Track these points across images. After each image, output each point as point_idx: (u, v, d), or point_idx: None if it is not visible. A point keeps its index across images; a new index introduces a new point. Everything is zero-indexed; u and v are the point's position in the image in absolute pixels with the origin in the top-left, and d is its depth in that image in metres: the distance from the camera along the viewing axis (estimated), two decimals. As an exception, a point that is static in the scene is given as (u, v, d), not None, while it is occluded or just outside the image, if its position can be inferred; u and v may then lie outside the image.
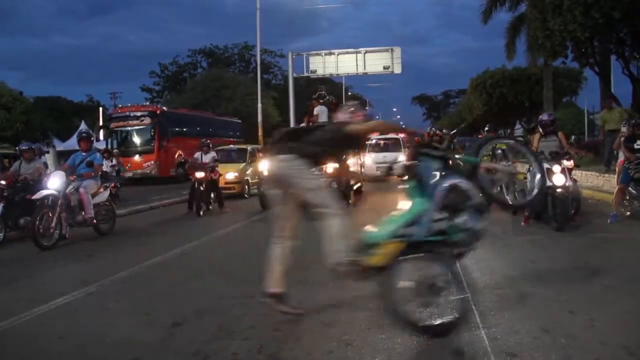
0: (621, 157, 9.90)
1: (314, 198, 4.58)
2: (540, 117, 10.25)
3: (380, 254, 4.10)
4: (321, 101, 18.44)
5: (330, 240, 4.44)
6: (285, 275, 4.80)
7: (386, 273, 4.13)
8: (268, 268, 4.84)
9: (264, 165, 13.37)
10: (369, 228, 4.34)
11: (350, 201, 13.67)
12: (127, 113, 27.00)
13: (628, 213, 9.38)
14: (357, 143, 5.74)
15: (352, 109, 5.13)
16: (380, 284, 4.19)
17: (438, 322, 4.11)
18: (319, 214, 4.57)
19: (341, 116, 5.09)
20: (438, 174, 4.24)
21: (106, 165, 15.63)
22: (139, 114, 26.68)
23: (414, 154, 4.36)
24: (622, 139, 9.94)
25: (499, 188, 4.73)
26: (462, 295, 4.13)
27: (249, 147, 20.12)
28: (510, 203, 5.01)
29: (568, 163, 9.40)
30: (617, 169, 10.33)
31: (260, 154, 16.56)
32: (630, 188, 9.28)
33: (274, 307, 4.68)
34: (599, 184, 14.17)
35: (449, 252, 4.19)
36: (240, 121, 36.96)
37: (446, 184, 4.16)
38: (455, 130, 13.65)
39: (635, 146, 9.25)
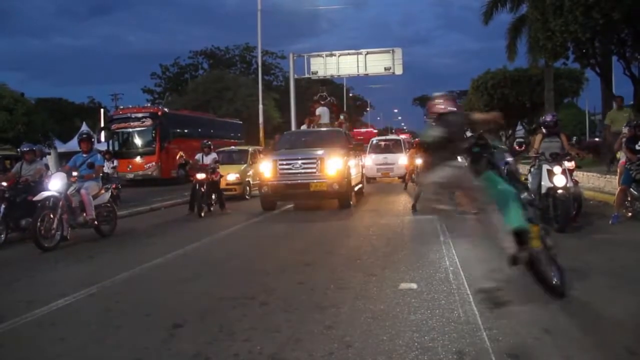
0: (622, 158, 9.89)
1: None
2: (543, 117, 10.24)
3: (535, 237, 4.65)
4: (322, 102, 18.47)
5: (496, 235, 4.74)
6: None
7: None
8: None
9: (265, 167, 13.38)
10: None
11: (352, 202, 13.69)
12: (129, 114, 27.02)
13: (630, 214, 9.36)
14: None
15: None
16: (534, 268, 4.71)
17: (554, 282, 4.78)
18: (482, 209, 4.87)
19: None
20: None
21: (107, 167, 15.62)
22: (140, 115, 26.70)
23: (470, 146, 4.81)
24: (624, 140, 9.93)
25: None
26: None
27: (250, 149, 20.14)
28: None
29: (569, 164, 9.38)
30: (618, 170, 10.31)
31: (261, 155, 16.56)
32: (632, 189, 9.25)
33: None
34: (600, 185, 14.15)
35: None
36: (241, 122, 36.98)
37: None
38: None
39: (637, 147, 9.21)
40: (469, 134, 5.16)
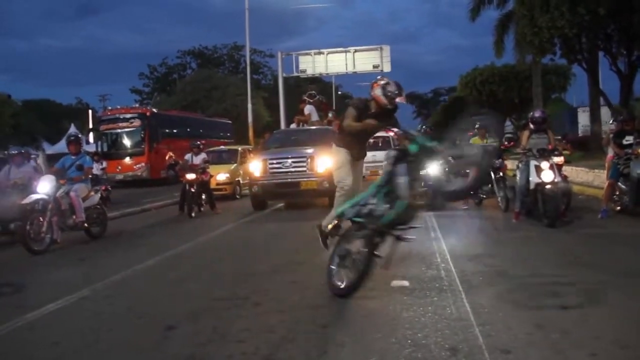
0: (610, 152, 9.98)
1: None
2: (532, 113, 10.31)
3: (332, 225, 5.60)
4: (311, 101, 18.45)
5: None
6: None
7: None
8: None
9: (254, 166, 13.36)
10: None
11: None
12: (117, 115, 26.88)
13: (618, 208, 9.45)
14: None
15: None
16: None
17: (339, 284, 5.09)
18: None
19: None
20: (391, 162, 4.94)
21: (96, 168, 15.55)
22: (128, 116, 26.58)
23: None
24: (611, 135, 10.02)
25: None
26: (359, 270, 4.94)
27: (240, 148, 20.09)
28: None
29: (558, 159, 9.47)
30: (606, 165, 10.41)
31: (251, 155, 16.53)
32: (619, 183, 9.34)
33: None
34: (589, 179, 14.27)
35: (368, 232, 4.92)
36: (230, 122, 36.90)
37: (386, 172, 4.98)
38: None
39: (624, 142, 9.31)
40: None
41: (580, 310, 4.51)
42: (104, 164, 18.15)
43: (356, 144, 6.39)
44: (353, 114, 5.92)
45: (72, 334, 4.72)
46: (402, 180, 4.69)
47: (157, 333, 4.52)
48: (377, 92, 5.83)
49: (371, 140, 24.80)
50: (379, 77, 6.29)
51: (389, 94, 5.77)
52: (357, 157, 6.52)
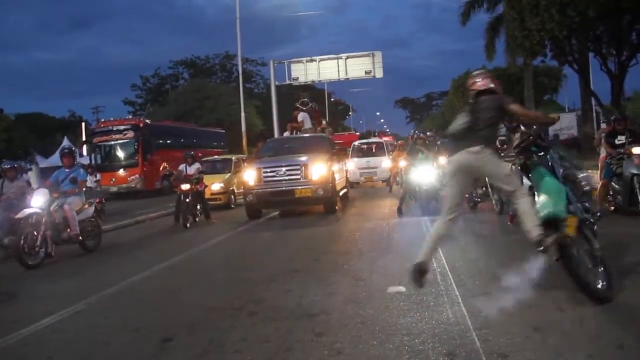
0: (603, 153, 10.01)
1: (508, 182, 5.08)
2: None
3: (570, 226, 4.58)
4: (304, 108, 18.46)
5: (525, 219, 4.84)
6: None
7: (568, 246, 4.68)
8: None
9: (249, 175, 13.35)
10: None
11: (337, 207, 13.69)
12: (110, 127, 26.83)
13: (612, 208, 9.47)
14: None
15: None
16: (564, 254, 4.72)
17: (600, 286, 4.60)
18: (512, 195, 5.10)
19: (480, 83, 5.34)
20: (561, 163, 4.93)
21: (90, 181, 15.49)
22: (122, 127, 26.54)
23: (527, 144, 5.23)
24: (603, 135, 10.06)
25: None
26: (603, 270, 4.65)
27: (234, 157, 20.07)
28: None
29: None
30: (599, 165, 10.44)
31: (245, 164, 16.51)
32: (613, 183, 9.37)
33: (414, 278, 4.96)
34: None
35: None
36: (224, 131, 36.91)
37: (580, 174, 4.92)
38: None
39: (617, 141, 9.35)
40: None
41: (577, 312, 4.50)
42: (98, 176, 18.09)
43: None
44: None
45: (67, 349, 4.68)
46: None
47: (153, 345, 4.49)
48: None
49: (364, 147, 24.73)
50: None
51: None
52: None
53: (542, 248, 4.71)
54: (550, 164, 5.00)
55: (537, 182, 4.94)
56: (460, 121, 5.19)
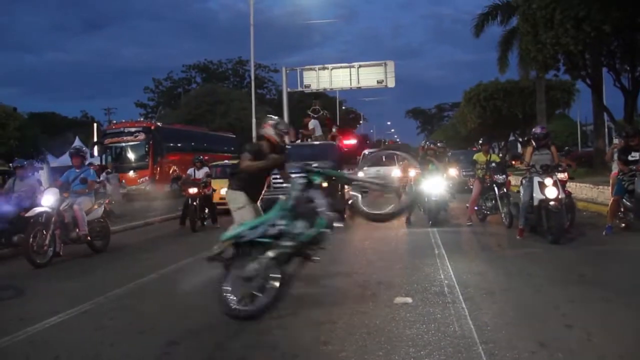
0: (615, 169, 9.94)
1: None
2: (533, 130, 10.29)
3: (218, 247, 5.43)
4: (315, 116, 18.50)
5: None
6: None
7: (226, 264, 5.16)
8: None
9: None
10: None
11: (345, 215, 13.65)
12: (122, 129, 26.94)
13: (623, 225, 9.40)
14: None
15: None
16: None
17: (250, 307, 4.96)
18: None
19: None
20: (299, 189, 5.27)
21: (115, 178, 15.90)
22: (133, 129, 26.63)
23: (284, 177, 5.97)
24: (616, 150, 9.99)
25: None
26: (274, 286, 4.96)
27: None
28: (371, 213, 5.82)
29: (562, 175, 9.43)
30: (611, 181, 10.37)
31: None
32: (624, 200, 9.30)
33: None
34: (593, 195, 14.22)
35: (275, 253, 4.96)
36: (234, 136, 36.95)
37: (295, 195, 5.20)
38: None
39: (630, 158, 9.26)
40: None
41: (585, 329, 4.46)
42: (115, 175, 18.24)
43: (254, 186, 6.69)
44: (249, 157, 6.40)
45: (72, 348, 4.69)
46: (320, 202, 5.13)
47: (158, 348, 4.49)
48: (269, 131, 6.48)
49: (375, 156, 24.68)
50: (268, 117, 6.92)
51: (280, 132, 6.52)
52: (255, 198, 6.78)
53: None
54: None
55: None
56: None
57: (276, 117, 6.85)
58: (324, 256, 8.00)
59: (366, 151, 25.63)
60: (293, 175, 5.92)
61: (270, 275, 4.97)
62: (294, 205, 5.17)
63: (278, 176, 13.24)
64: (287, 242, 4.97)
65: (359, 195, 5.62)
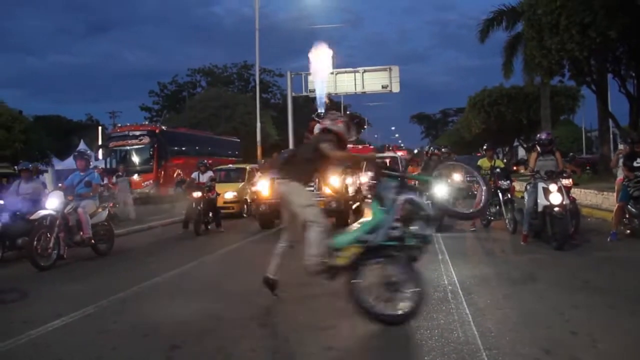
0: (620, 175, 9.91)
1: (302, 213, 5.55)
2: (538, 135, 10.27)
3: (343, 256, 4.97)
4: (320, 120, 18.47)
5: (309, 246, 5.31)
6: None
7: (352, 273, 4.96)
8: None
9: (262, 185, 13.38)
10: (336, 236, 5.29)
11: (349, 220, 13.66)
12: (126, 132, 26.97)
13: (628, 231, 9.35)
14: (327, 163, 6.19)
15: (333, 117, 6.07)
16: (347, 282, 4.99)
17: (397, 312, 4.88)
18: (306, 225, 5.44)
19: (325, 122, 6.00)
20: (395, 191, 5.14)
21: (125, 183, 16.02)
22: (137, 133, 26.65)
23: (376, 176, 5.42)
24: (621, 156, 9.95)
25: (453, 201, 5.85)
26: (416, 290, 4.86)
27: (248, 167, 20.10)
28: (465, 212, 6.13)
29: (567, 181, 9.40)
30: (616, 187, 10.33)
31: (259, 173, 16.51)
32: (629, 206, 9.26)
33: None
34: (597, 202, 14.17)
35: (404, 255, 4.95)
36: (239, 140, 36.99)
37: (402, 199, 5.05)
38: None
39: (635, 164, 9.22)
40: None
41: (590, 336, 4.44)
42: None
43: (309, 179, 6.28)
44: (333, 148, 5.73)
45: (75, 352, 4.69)
46: (423, 203, 5.12)
47: (161, 352, 4.49)
48: (341, 127, 6.00)
49: (379, 161, 24.80)
50: (337, 113, 6.61)
51: (351, 129, 6.15)
52: None
53: (310, 272, 5.25)
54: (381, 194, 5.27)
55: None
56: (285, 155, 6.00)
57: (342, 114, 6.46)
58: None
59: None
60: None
61: (408, 278, 4.92)
62: (400, 206, 5.08)
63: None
64: (412, 243, 4.95)
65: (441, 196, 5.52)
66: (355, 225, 5.22)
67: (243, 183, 18.09)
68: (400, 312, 4.87)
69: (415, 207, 5.06)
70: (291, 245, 6.04)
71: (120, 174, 17.89)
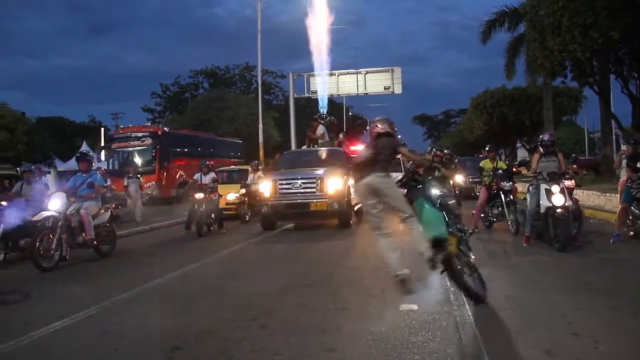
0: (623, 176, 9.88)
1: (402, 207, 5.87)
2: (541, 137, 10.24)
3: (452, 244, 5.46)
4: (322, 121, 18.49)
5: (418, 239, 5.63)
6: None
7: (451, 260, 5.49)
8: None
9: (264, 186, 13.38)
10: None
11: (351, 221, 13.65)
12: (129, 134, 26.99)
13: (631, 233, 9.32)
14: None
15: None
16: (449, 268, 5.53)
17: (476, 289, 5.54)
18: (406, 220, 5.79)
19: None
20: (440, 191, 5.87)
21: (135, 185, 16.12)
22: (140, 134, 26.68)
23: (407, 180, 6.16)
24: (624, 157, 9.92)
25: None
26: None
27: (250, 168, 20.06)
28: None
29: (569, 183, 9.38)
30: (619, 189, 10.30)
31: (260, 174, 16.49)
32: (633, 207, 9.23)
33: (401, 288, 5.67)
34: (600, 203, 14.14)
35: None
36: (241, 142, 37.00)
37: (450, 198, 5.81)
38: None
39: (638, 165, 9.18)
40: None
41: (592, 337, 4.42)
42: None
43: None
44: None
45: (77, 353, 4.70)
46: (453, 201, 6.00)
47: (162, 354, 4.49)
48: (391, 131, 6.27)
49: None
50: (385, 118, 6.58)
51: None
52: None
53: (432, 264, 5.49)
54: (427, 194, 5.83)
55: (418, 211, 5.68)
56: (365, 153, 6.28)
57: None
58: (329, 262, 8.03)
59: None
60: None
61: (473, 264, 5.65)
62: (442, 202, 5.76)
63: (283, 179, 13.36)
64: (464, 234, 5.72)
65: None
66: (412, 221, 5.75)
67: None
68: (476, 289, 5.55)
69: (452, 205, 5.86)
70: (389, 234, 6.19)
71: (130, 175, 17.88)
